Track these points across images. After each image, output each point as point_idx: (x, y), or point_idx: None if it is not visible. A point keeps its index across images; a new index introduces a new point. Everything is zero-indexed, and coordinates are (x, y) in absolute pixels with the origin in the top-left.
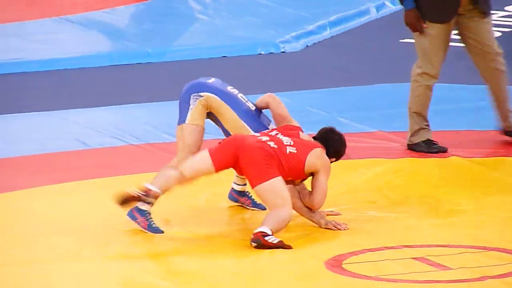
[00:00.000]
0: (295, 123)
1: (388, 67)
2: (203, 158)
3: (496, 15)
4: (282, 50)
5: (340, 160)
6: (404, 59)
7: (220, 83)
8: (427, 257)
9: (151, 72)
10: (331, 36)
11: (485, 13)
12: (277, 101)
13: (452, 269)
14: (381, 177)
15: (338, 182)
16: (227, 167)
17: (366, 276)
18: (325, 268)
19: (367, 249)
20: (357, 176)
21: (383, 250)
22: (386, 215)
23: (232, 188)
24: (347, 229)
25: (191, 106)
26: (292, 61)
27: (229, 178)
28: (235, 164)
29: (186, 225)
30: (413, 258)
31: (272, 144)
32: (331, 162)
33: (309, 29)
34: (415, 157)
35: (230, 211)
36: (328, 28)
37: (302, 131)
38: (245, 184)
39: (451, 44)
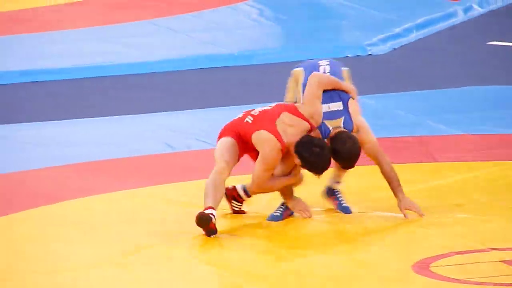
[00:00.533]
0: (313, 107)
1: (476, 70)
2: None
3: None
4: (369, 53)
5: (427, 163)
6: (491, 62)
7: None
8: None
9: (237, 76)
10: (418, 39)
11: None
12: (313, 80)
13: None
14: (469, 181)
15: (426, 184)
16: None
17: (455, 279)
18: (413, 271)
19: (455, 252)
20: (445, 179)
21: (471, 253)
22: (474, 217)
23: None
24: (309, 217)
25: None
26: (379, 64)
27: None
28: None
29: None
30: (501, 261)
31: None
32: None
33: (396, 31)
34: (503, 160)
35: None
36: (414, 31)
37: (302, 116)
38: (337, 182)
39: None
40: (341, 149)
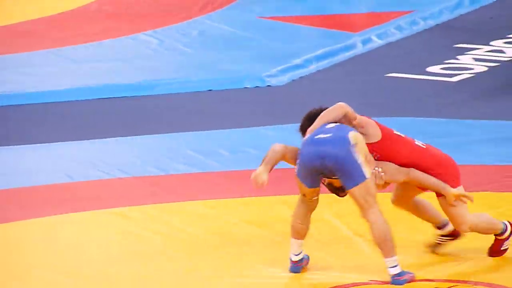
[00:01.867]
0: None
1: (375, 101)
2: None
3: (482, 50)
4: (267, 84)
5: None
6: (390, 93)
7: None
8: None
9: (139, 106)
10: (318, 70)
11: None
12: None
13: None
14: None
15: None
16: None
17: None
18: None
19: (362, 283)
20: None
21: (371, 283)
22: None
23: None
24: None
25: (359, 161)
26: (277, 95)
27: None
28: None
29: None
30: None
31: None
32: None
33: (295, 63)
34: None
35: None
36: (314, 62)
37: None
38: None
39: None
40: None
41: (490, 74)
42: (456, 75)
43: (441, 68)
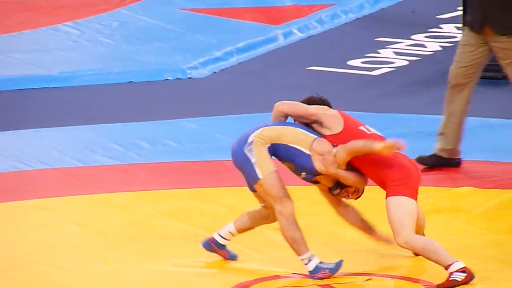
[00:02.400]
0: (318, 113)
1: (296, 94)
2: (413, 204)
3: (403, 44)
4: (189, 76)
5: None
6: (311, 87)
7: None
8: (332, 285)
9: (59, 97)
10: (239, 63)
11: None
12: (291, 106)
13: None
14: None
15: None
16: None
17: None
18: None
19: (273, 276)
20: None
21: (290, 277)
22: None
23: None
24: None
25: (252, 160)
26: (199, 87)
27: None
28: None
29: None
30: (318, 285)
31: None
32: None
33: (217, 55)
34: None
35: None
36: (235, 55)
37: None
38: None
39: None
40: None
41: (411, 68)
42: (377, 68)
43: (362, 62)
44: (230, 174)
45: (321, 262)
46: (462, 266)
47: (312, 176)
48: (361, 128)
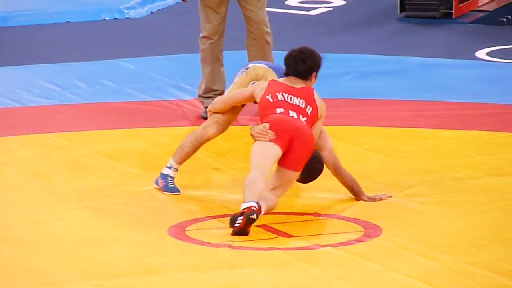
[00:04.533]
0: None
1: (232, 33)
2: (269, 147)
3: None
4: (126, 16)
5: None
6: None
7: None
8: (269, 225)
9: None
10: (176, 3)
11: None
12: (222, 100)
13: (293, 236)
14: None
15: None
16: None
17: (209, 243)
18: (168, 235)
19: (210, 216)
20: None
21: (226, 217)
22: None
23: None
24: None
25: (235, 79)
26: (136, 27)
27: None
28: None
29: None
30: (255, 225)
31: (304, 120)
32: (314, 76)
33: None
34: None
35: None
36: None
37: (275, 79)
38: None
39: None
40: (310, 168)
41: (348, 7)
42: (314, 8)
43: (300, 2)
44: (166, 114)
45: (170, 177)
46: (243, 208)
47: None
48: (268, 97)
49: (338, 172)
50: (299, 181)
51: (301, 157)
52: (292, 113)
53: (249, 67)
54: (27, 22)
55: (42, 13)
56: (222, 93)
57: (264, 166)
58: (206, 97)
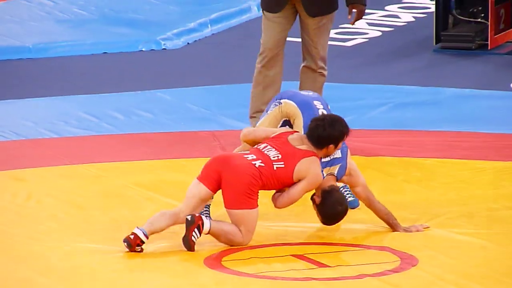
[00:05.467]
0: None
1: None
2: (194, 185)
3: (376, 15)
4: (163, 47)
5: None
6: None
7: (306, 92)
8: (305, 255)
9: (32, 68)
10: (212, 34)
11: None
12: (250, 132)
13: (330, 266)
14: None
15: None
16: (219, 185)
17: (245, 273)
18: (204, 265)
19: (246, 247)
20: None
21: (262, 247)
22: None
23: None
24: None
25: (268, 111)
26: (173, 58)
27: None
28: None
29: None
30: (292, 255)
31: (258, 163)
32: (331, 148)
33: (190, 26)
34: None
35: None
36: (209, 26)
37: (291, 133)
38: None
39: None
40: (330, 210)
41: (384, 39)
42: (350, 39)
43: (336, 33)
44: (203, 145)
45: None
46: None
47: None
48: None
49: (372, 207)
50: (324, 223)
51: (232, 191)
52: (251, 158)
53: (281, 102)
54: (65, 53)
55: (79, 44)
56: None
57: (187, 204)
58: None
